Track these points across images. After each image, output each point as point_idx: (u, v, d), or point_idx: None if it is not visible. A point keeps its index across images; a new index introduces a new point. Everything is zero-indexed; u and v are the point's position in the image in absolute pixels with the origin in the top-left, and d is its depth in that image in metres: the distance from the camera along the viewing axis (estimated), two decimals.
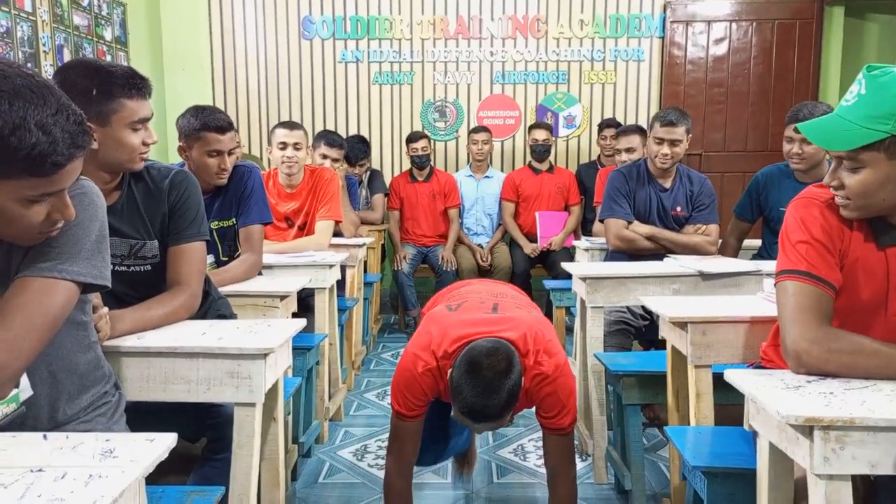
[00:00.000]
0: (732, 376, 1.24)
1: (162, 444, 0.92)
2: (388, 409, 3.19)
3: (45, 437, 0.94)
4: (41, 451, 0.90)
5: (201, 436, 1.77)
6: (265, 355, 1.42)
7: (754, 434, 1.38)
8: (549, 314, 4.29)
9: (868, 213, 1.29)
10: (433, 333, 1.72)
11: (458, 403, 1.57)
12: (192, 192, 1.68)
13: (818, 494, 1.04)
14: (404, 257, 4.44)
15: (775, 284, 1.33)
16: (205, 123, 2.21)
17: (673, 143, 2.81)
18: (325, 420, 2.80)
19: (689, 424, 1.75)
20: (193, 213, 1.67)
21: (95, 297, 1.40)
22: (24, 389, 1.08)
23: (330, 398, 2.89)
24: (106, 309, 1.40)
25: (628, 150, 3.64)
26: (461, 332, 1.68)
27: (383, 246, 4.81)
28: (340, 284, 3.34)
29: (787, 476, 1.21)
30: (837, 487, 1.03)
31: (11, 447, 0.91)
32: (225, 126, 2.23)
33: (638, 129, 3.76)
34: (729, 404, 1.87)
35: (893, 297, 1.30)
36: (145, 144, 1.60)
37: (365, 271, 4.07)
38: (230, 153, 2.25)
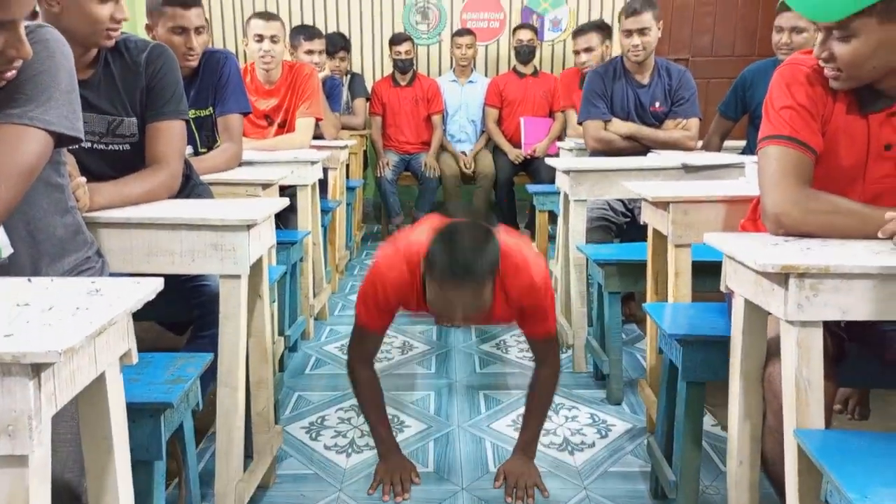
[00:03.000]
0: (711, 238, 1.26)
1: (149, 286, 0.92)
2: None
3: (29, 280, 0.94)
4: (27, 290, 0.90)
5: (188, 318, 1.79)
6: (248, 227, 1.41)
7: (729, 301, 1.42)
8: (532, 221, 4.33)
9: (859, 82, 1.28)
10: (403, 241, 1.65)
11: (436, 266, 1.47)
12: (170, 66, 1.62)
13: (790, 341, 1.08)
14: (387, 164, 4.40)
15: (758, 151, 1.34)
16: None
17: (641, 31, 2.73)
18: (310, 317, 2.84)
19: None
20: (172, 90, 1.62)
21: (72, 168, 1.38)
22: (5, 246, 1.07)
23: (315, 297, 2.92)
24: (84, 179, 1.38)
25: (587, 51, 3.57)
26: (434, 229, 1.57)
27: (365, 153, 4.75)
28: (323, 186, 3.31)
29: (760, 334, 1.26)
30: (809, 333, 1.07)
31: None
32: (189, 1, 2.13)
33: (596, 27, 3.65)
34: (706, 291, 1.92)
35: (872, 163, 1.31)
36: (115, 21, 1.53)
37: (347, 177, 4.04)
38: (198, 32, 2.16)
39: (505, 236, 1.64)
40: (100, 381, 0.89)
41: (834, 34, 1.25)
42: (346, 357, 2.51)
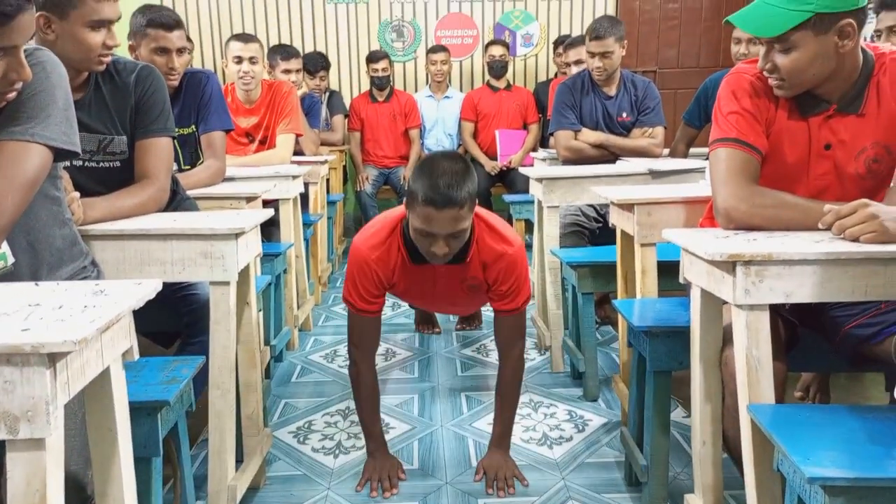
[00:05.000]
0: (669, 234, 1.36)
1: (149, 286, 1.00)
2: None
3: (36, 284, 1.01)
4: (36, 292, 0.97)
5: (176, 328, 1.85)
6: (237, 235, 1.49)
7: (689, 291, 1.52)
8: None
9: (801, 89, 1.39)
10: (376, 220, 1.82)
11: (418, 191, 1.57)
12: (158, 86, 1.70)
13: (740, 324, 1.18)
14: (367, 178, 4.49)
15: (709, 154, 1.45)
16: (151, 20, 2.18)
17: (604, 55, 2.90)
18: (294, 328, 2.91)
19: None
20: (160, 108, 1.70)
21: (66, 183, 1.45)
22: (9, 255, 1.14)
23: (298, 308, 2.99)
24: (77, 193, 1.45)
25: (577, 63, 3.69)
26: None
27: (345, 168, 4.84)
28: (304, 201, 3.39)
29: (716, 321, 1.36)
30: (757, 316, 1.17)
31: (5, 291, 0.98)
32: (171, 23, 2.20)
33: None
34: (672, 289, 2.03)
35: (814, 162, 1.43)
36: (106, 47, 1.61)
37: (328, 191, 4.12)
38: (179, 53, 2.23)
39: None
40: (105, 375, 0.96)
41: (776, 47, 1.36)
42: (331, 366, 2.58)
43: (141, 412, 1.24)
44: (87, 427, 1.02)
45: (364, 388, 1.87)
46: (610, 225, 2.08)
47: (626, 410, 2.07)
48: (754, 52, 2.80)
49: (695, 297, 1.35)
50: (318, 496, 1.79)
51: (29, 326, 0.81)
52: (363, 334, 1.85)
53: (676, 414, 2.17)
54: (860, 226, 1.20)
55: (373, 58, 4.49)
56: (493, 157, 4.49)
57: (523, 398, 2.30)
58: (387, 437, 2.09)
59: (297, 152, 3.42)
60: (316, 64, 4.29)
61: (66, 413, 0.92)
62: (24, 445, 0.80)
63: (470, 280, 1.82)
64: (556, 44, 4.59)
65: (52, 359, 0.80)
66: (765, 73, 1.40)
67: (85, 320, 0.84)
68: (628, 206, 1.87)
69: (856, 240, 1.19)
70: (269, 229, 2.82)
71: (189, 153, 2.44)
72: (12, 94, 1.12)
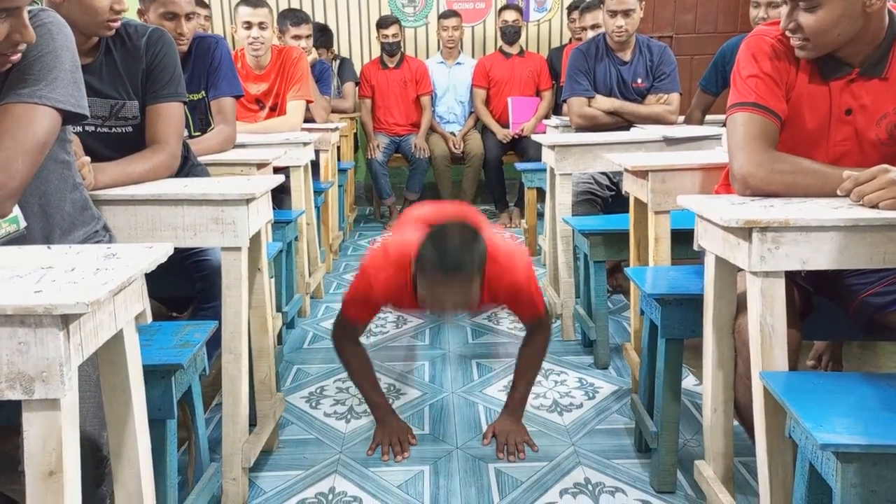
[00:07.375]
0: (684, 200, 1.34)
1: (160, 250, 1.00)
2: None
3: (48, 247, 1.01)
4: (48, 255, 0.97)
5: (189, 293, 1.86)
6: (248, 201, 1.48)
7: (703, 259, 1.50)
8: (521, 198, 4.41)
9: (824, 51, 1.35)
10: (391, 243, 1.72)
11: (427, 263, 1.58)
12: (169, 50, 1.68)
13: (755, 290, 1.17)
14: (377, 146, 4.46)
15: (726, 118, 1.42)
16: None
17: (626, 13, 2.82)
18: (306, 295, 2.92)
19: None
20: (171, 72, 1.68)
21: (77, 147, 1.44)
22: (21, 218, 1.14)
23: (310, 275, 3.00)
24: (88, 158, 1.45)
25: (594, 27, 3.62)
26: (422, 229, 1.66)
27: (356, 135, 4.81)
28: (315, 169, 3.38)
29: (730, 288, 1.34)
30: (772, 283, 1.16)
31: (18, 254, 0.98)
32: None
33: (602, 4, 3.71)
34: (685, 258, 2.01)
35: (834, 127, 1.39)
36: (114, 11, 1.59)
37: (338, 159, 4.10)
38: (188, 18, 2.21)
39: (491, 235, 1.73)
40: (118, 338, 0.97)
41: (800, 6, 1.32)
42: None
43: (155, 375, 1.25)
44: (102, 389, 1.03)
45: (352, 360, 1.89)
46: (623, 193, 2.06)
47: (636, 378, 2.07)
48: (773, 15, 2.73)
49: (709, 264, 1.34)
50: (331, 459, 1.81)
51: (42, 288, 0.81)
52: (346, 331, 1.88)
53: (686, 382, 2.17)
54: (880, 192, 1.17)
55: (383, 23, 4.42)
56: (505, 125, 4.44)
57: None
58: (398, 402, 2.11)
59: (308, 119, 3.40)
60: (315, 39, 4.23)
61: (81, 375, 0.93)
62: (39, 405, 0.81)
63: (479, 308, 1.83)
64: (571, 9, 4.48)
65: (66, 320, 0.80)
66: (787, 32, 1.36)
67: (97, 283, 0.84)
68: (642, 174, 1.84)
69: (875, 206, 1.17)
70: (280, 197, 2.82)
71: (199, 119, 2.42)
72: (16, 57, 1.11)
